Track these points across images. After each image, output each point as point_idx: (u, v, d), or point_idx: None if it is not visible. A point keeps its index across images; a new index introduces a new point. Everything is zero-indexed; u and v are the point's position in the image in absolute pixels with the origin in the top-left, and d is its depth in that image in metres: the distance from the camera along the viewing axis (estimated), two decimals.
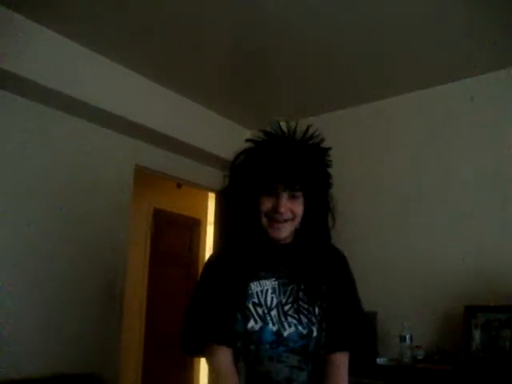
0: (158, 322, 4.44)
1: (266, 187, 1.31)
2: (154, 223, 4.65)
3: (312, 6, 2.31)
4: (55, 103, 2.70)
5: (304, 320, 1.28)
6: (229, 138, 3.43)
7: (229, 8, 2.34)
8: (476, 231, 2.70)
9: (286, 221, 1.32)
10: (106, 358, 2.83)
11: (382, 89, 3.07)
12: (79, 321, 2.72)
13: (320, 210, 1.35)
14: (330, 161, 1.36)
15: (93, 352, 2.75)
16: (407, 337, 2.53)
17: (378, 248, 2.99)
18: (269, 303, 1.29)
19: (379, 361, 2.58)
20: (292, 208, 1.31)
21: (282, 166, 1.28)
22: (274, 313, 1.29)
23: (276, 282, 1.32)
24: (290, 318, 1.28)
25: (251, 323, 1.27)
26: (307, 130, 1.35)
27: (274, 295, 1.31)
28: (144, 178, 3.47)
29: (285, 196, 1.30)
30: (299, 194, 1.31)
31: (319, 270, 1.34)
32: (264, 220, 1.32)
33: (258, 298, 1.30)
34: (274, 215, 1.31)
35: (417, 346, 2.56)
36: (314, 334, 1.28)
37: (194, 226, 5.01)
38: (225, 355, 1.27)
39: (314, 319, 1.29)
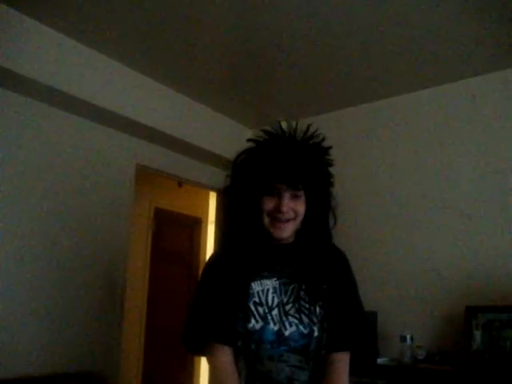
0: (158, 321, 4.44)
1: (268, 187, 1.31)
2: (155, 222, 4.65)
3: (312, 5, 2.30)
4: (55, 102, 2.70)
5: (305, 320, 1.28)
6: (230, 136, 3.44)
7: (230, 7, 2.34)
8: (477, 231, 2.70)
9: (288, 220, 1.32)
10: (107, 356, 2.83)
11: (382, 88, 3.07)
12: (80, 319, 2.72)
13: (321, 209, 1.35)
14: (332, 160, 1.37)
15: (93, 350, 2.75)
16: (408, 337, 2.53)
17: (379, 248, 2.99)
18: (270, 303, 1.29)
19: (380, 361, 2.58)
20: (294, 207, 1.31)
21: (283, 166, 1.28)
22: (275, 312, 1.29)
23: (277, 282, 1.32)
24: (291, 318, 1.28)
25: (252, 322, 1.27)
26: (308, 129, 1.35)
27: (275, 295, 1.31)
28: (145, 176, 3.48)
29: (287, 196, 1.30)
30: (301, 193, 1.32)
31: (320, 269, 1.34)
32: (266, 220, 1.32)
33: (259, 297, 1.30)
34: (276, 215, 1.31)
35: (417, 346, 2.56)
36: (315, 333, 1.28)
37: (195, 225, 5.01)
38: (225, 354, 1.27)
39: (315, 319, 1.29)
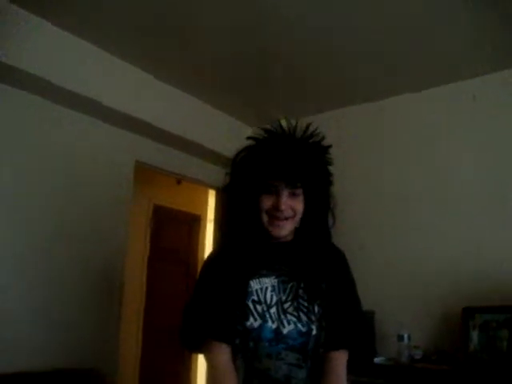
0: (156, 318, 4.44)
1: (267, 185, 1.31)
2: (154, 219, 4.65)
3: (312, 4, 2.30)
4: (54, 97, 2.69)
5: (303, 318, 1.29)
6: (229, 134, 3.43)
7: (231, 5, 2.34)
8: (475, 231, 2.70)
9: (286, 218, 1.32)
10: (105, 353, 2.83)
11: (382, 88, 3.07)
12: (78, 316, 2.72)
13: (320, 207, 1.35)
14: (331, 158, 1.37)
15: (91, 347, 2.75)
16: (405, 336, 2.54)
17: (377, 247, 3.00)
18: (268, 301, 1.30)
19: (377, 360, 2.59)
20: (292, 205, 1.32)
21: (282, 164, 1.28)
22: (273, 310, 1.29)
23: (276, 280, 1.32)
24: (289, 316, 1.29)
25: (250, 320, 1.27)
26: (307, 127, 1.35)
27: (273, 293, 1.31)
28: (144, 173, 3.47)
29: (285, 194, 1.30)
30: (300, 191, 1.32)
31: (319, 268, 1.34)
32: (265, 218, 1.32)
33: (258, 295, 1.30)
34: (274, 213, 1.31)
35: (415, 346, 2.56)
36: (314, 332, 1.29)
37: (194, 223, 5.01)
38: (223, 352, 1.28)
39: (313, 317, 1.29)
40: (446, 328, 2.64)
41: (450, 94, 2.95)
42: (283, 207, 1.30)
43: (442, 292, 2.70)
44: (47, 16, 2.48)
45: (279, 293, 1.31)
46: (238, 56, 2.82)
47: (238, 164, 1.37)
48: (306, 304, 1.30)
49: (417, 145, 3.03)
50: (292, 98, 3.24)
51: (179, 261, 4.81)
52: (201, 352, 1.38)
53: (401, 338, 2.54)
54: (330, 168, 1.38)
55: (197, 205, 4.93)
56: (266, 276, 1.32)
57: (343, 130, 3.19)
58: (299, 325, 1.28)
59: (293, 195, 1.31)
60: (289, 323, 1.28)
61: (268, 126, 1.37)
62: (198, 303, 1.34)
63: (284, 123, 1.37)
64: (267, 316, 1.28)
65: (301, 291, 1.31)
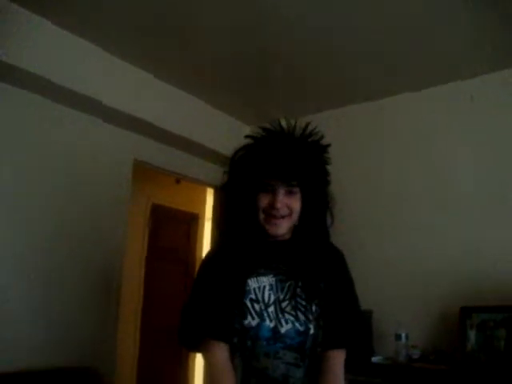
0: (154, 317, 4.44)
1: (264, 184, 1.31)
2: (153, 218, 4.64)
3: (311, 3, 2.30)
4: (54, 96, 2.69)
5: (301, 317, 1.29)
6: (228, 133, 3.43)
7: (230, 5, 2.33)
8: (474, 231, 2.70)
9: (283, 217, 1.32)
10: (103, 352, 2.82)
11: (382, 87, 3.07)
12: (76, 315, 2.72)
13: (318, 206, 1.35)
14: (329, 158, 1.37)
15: (89, 346, 2.75)
16: (403, 335, 2.54)
17: (375, 247, 3.00)
18: (266, 300, 1.30)
19: (375, 359, 2.59)
20: (289, 204, 1.32)
21: (278, 162, 1.29)
22: (271, 309, 1.29)
23: (274, 279, 1.32)
24: (287, 315, 1.29)
25: (248, 319, 1.27)
26: (306, 126, 1.35)
27: (271, 292, 1.31)
28: (143, 172, 3.47)
29: (281, 192, 1.31)
30: (296, 189, 1.32)
31: (317, 267, 1.34)
32: (261, 216, 1.33)
33: (256, 294, 1.30)
34: (271, 211, 1.31)
35: (412, 345, 2.56)
36: (311, 331, 1.29)
37: (193, 222, 5.01)
38: (221, 351, 1.28)
39: (310, 316, 1.29)
40: (444, 327, 2.65)
41: (449, 93, 2.95)
42: (279, 205, 1.30)
43: (440, 291, 2.70)
44: (47, 15, 2.48)
45: (277, 292, 1.31)
46: (237, 56, 2.82)
47: (235, 162, 1.37)
48: (303, 303, 1.30)
49: (416, 144, 3.03)
50: (292, 98, 3.23)
51: (177, 260, 4.80)
52: (199, 351, 1.38)
53: (398, 337, 2.54)
54: (329, 167, 1.38)
55: (195, 204, 4.93)
56: (264, 275, 1.32)
57: (343, 129, 3.19)
58: (297, 324, 1.28)
59: (289, 193, 1.32)
60: (287, 322, 1.28)
61: (266, 125, 1.38)
62: (196, 302, 1.34)
63: (283, 122, 1.37)
64: (265, 315, 1.28)
65: (298, 290, 1.31)
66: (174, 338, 1.39)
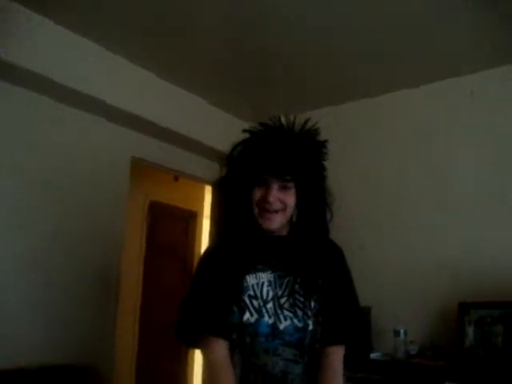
0: (153, 314, 4.44)
1: (258, 178, 1.31)
2: (150, 215, 4.64)
3: (310, 1, 2.30)
4: (55, 95, 2.69)
5: (299, 313, 1.29)
6: (226, 130, 3.41)
7: (230, 4, 2.33)
8: (474, 228, 2.71)
9: (276, 211, 1.32)
10: (101, 349, 2.83)
11: (381, 84, 3.06)
12: (75, 312, 2.72)
13: (314, 202, 1.35)
14: (325, 153, 1.36)
15: (88, 343, 2.75)
16: (401, 331, 2.54)
17: (375, 243, 3.00)
18: (265, 296, 1.30)
19: (373, 355, 2.59)
20: (282, 198, 1.31)
21: (272, 157, 1.29)
22: (269, 305, 1.29)
23: (272, 275, 1.32)
24: (285, 312, 1.29)
25: (247, 315, 1.27)
26: (305, 123, 1.35)
27: (270, 288, 1.31)
28: (140, 169, 3.46)
29: (275, 187, 1.31)
30: (291, 184, 1.32)
31: (315, 263, 1.34)
32: (256, 210, 1.33)
33: (254, 290, 1.30)
34: (264, 205, 1.31)
35: (411, 341, 2.57)
36: (310, 327, 1.29)
37: (191, 219, 5.00)
38: (220, 347, 1.28)
39: (309, 313, 1.29)
40: (442, 323, 2.65)
41: (448, 89, 2.94)
42: (271, 199, 1.30)
43: (439, 287, 2.71)
44: (49, 14, 2.48)
45: (275, 288, 1.31)
46: (237, 56, 2.81)
47: (232, 157, 1.37)
48: (302, 299, 1.30)
49: (415, 141, 3.03)
50: (292, 98, 3.23)
51: (176, 257, 4.80)
52: (198, 347, 1.38)
53: (397, 333, 2.55)
54: (326, 163, 1.37)
55: (193, 201, 4.92)
56: (263, 271, 1.32)
57: (341, 126, 3.19)
58: (295, 320, 1.28)
59: (284, 188, 1.32)
60: (285, 319, 1.28)
61: (264, 121, 1.38)
62: (195, 298, 1.34)
63: (282, 119, 1.37)
64: (263, 311, 1.28)
65: (297, 286, 1.31)
66: (172, 334, 1.39)
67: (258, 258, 1.33)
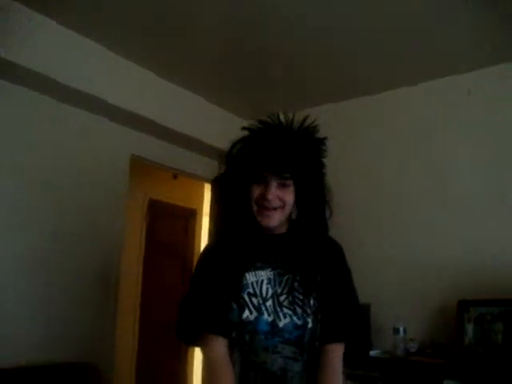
0: (152, 313, 4.45)
1: (257, 175, 1.31)
2: (150, 214, 4.64)
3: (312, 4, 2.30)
4: (57, 95, 2.69)
5: (299, 311, 1.29)
6: (225, 128, 3.41)
7: (230, 4, 2.33)
8: (473, 226, 2.71)
9: (275, 209, 1.32)
10: (101, 347, 2.83)
11: (380, 82, 3.06)
12: (74, 311, 2.72)
13: (313, 199, 1.35)
14: (324, 151, 1.36)
15: (88, 342, 2.75)
16: (401, 329, 2.54)
17: (374, 241, 3.00)
18: (264, 294, 1.30)
19: (372, 353, 2.59)
20: (281, 196, 1.31)
21: (270, 154, 1.29)
22: (269, 303, 1.29)
23: (271, 273, 1.32)
24: (285, 309, 1.29)
25: (246, 313, 1.27)
26: (304, 120, 1.35)
27: (269, 286, 1.31)
28: (140, 168, 3.46)
29: (274, 184, 1.31)
30: (289, 182, 1.32)
31: (315, 260, 1.34)
32: (254, 208, 1.33)
33: (254, 288, 1.30)
34: (262, 202, 1.31)
35: (410, 339, 2.57)
36: (309, 325, 1.29)
37: (190, 217, 5.00)
38: (219, 345, 1.28)
39: (309, 310, 1.29)
40: (442, 321, 2.65)
41: (446, 87, 2.94)
42: (270, 197, 1.30)
43: (439, 285, 2.70)
44: (51, 14, 2.48)
45: (275, 285, 1.31)
46: (237, 55, 2.81)
47: (231, 155, 1.37)
48: (301, 297, 1.30)
49: (414, 138, 3.02)
50: (292, 98, 3.23)
51: (175, 255, 4.81)
52: (197, 345, 1.38)
53: (396, 330, 2.55)
54: (325, 160, 1.37)
55: (193, 199, 4.92)
56: (262, 269, 1.32)
57: (341, 123, 3.19)
58: (295, 318, 1.28)
59: (282, 186, 1.31)
60: (285, 316, 1.28)
61: (263, 118, 1.38)
62: (194, 297, 1.34)
63: (281, 116, 1.37)
64: (263, 309, 1.28)
65: (296, 284, 1.31)
66: (172, 332, 1.39)
67: (257, 256, 1.33)
